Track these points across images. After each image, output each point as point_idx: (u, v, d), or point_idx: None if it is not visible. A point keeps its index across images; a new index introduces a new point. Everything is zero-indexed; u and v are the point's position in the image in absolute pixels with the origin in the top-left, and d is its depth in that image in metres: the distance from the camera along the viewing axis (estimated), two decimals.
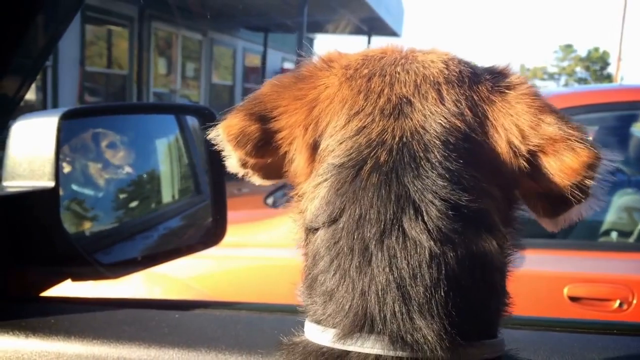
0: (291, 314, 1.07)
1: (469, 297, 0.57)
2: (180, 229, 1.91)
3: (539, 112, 0.63)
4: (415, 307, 0.56)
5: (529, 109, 0.64)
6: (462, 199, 0.58)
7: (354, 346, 0.57)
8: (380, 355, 0.56)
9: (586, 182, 0.62)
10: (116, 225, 1.66)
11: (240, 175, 0.74)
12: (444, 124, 0.62)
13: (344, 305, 0.58)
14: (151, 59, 12.48)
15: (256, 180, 0.75)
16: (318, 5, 12.04)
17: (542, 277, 2.29)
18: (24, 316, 1.07)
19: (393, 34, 16.38)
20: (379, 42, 0.77)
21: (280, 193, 3.13)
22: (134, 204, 1.77)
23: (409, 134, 0.61)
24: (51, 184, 1.09)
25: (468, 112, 0.63)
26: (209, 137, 0.71)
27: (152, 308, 1.17)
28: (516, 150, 0.62)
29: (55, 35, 1.15)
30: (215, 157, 1.08)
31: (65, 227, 1.21)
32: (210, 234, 1.54)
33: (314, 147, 0.66)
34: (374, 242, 0.57)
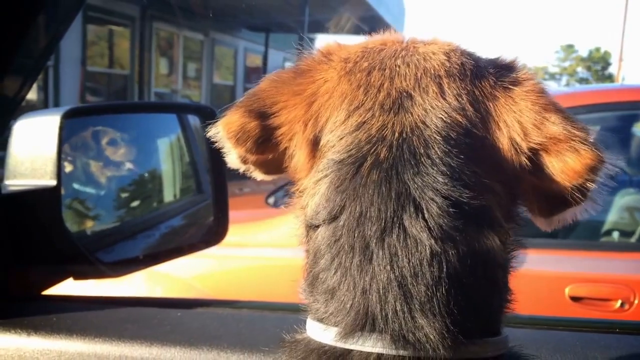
0: (293, 313, 1.07)
1: (471, 294, 0.57)
2: (181, 228, 1.91)
3: (543, 110, 0.62)
4: (416, 305, 0.55)
5: (533, 106, 0.63)
6: (464, 195, 0.58)
7: (356, 345, 0.57)
8: (382, 354, 0.56)
9: (587, 184, 0.61)
10: (118, 224, 1.66)
11: (240, 171, 0.73)
12: (444, 119, 0.61)
13: (345, 304, 0.58)
14: (153, 59, 12.48)
15: (257, 175, 0.74)
16: (319, 5, 12.03)
17: (543, 277, 2.29)
18: (26, 315, 1.07)
19: None
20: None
21: (282, 193, 3.13)
22: (135, 202, 1.78)
23: (408, 129, 0.61)
24: (53, 182, 1.09)
25: (469, 106, 0.62)
26: (208, 134, 0.70)
27: (154, 306, 1.18)
28: (517, 147, 0.62)
29: (56, 35, 1.15)
30: (216, 156, 1.08)
31: (66, 226, 1.22)
32: (211, 232, 1.54)
33: (314, 143, 0.65)
34: (374, 240, 0.57)
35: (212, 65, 14.69)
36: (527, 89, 0.64)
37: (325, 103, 0.66)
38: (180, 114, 1.91)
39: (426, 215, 0.57)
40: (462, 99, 0.62)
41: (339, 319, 0.58)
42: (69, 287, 1.22)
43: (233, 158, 0.72)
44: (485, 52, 0.70)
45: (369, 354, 0.57)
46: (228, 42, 15.33)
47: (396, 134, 0.60)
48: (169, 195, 1.93)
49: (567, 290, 2.24)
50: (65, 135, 1.15)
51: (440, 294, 0.55)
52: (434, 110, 0.61)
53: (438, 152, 0.59)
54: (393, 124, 0.61)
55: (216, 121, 0.70)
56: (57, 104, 9.67)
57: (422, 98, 0.62)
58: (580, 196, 0.62)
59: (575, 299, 2.24)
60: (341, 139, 0.62)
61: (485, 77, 0.65)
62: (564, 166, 0.61)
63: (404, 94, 0.63)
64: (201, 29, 13.69)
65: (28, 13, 1.01)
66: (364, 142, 0.61)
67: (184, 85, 14.18)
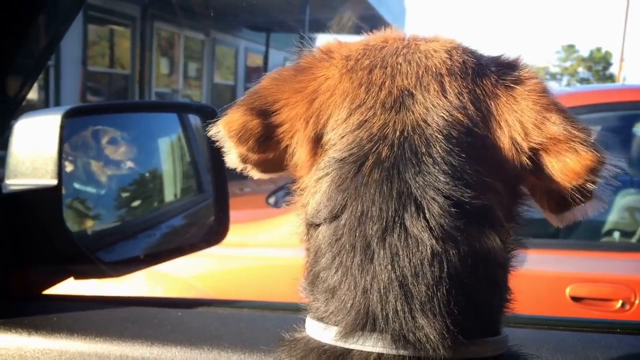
0: (293, 312, 1.07)
1: (472, 294, 0.57)
2: (182, 227, 1.91)
3: (544, 110, 0.62)
4: (417, 305, 0.55)
5: (534, 105, 0.62)
6: (465, 195, 0.58)
7: (356, 344, 0.57)
8: (382, 354, 0.56)
9: (587, 185, 0.61)
10: (118, 224, 1.66)
11: (239, 170, 0.73)
12: (446, 118, 0.61)
13: (345, 303, 0.58)
14: (153, 58, 12.49)
15: (254, 174, 0.74)
16: (320, 5, 12.04)
17: (544, 277, 2.29)
18: (26, 314, 1.07)
19: None
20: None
21: (282, 193, 3.14)
22: (136, 202, 1.78)
23: (410, 128, 0.60)
24: (54, 182, 1.09)
25: (471, 105, 0.62)
26: (209, 134, 0.70)
27: (155, 306, 1.18)
28: (518, 147, 0.61)
29: (57, 34, 1.15)
30: (217, 156, 1.08)
31: (67, 226, 1.22)
32: (212, 232, 1.54)
33: (316, 140, 0.65)
34: (375, 240, 0.57)
35: (213, 65, 14.70)
36: (529, 88, 0.64)
37: (326, 101, 0.65)
38: (181, 114, 1.91)
39: (427, 215, 0.57)
40: (464, 98, 0.62)
41: (340, 318, 0.58)
42: (69, 286, 1.22)
43: (233, 157, 0.71)
44: (487, 52, 0.70)
45: (369, 353, 0.56)
46: (229, 41, 15.33)
47: (397, 133, 0.60)
48: (169, 194, 1.93)
49: (567, 290, 2.23)
50: (66, 135, 1.15)
51: (440, 294, 0.55)
52: (436, 109, 0.61)
53: (439, 151, 0.59)
54: (394, 122, 0.61)
55: (217, 120, 0.70)
56: (57, 104, 9.68)
57: (424, 96, 0.62)
58: (580, 197, 0.62)
59: (576, 299, 2.24)
60: (342, 137, 0.62)
61: (487, 75, 0.64)
62: (564, 167, 0.61)
63: (406, 92, 0.62)
64: (202, 28, 13.69)
65: (29, 13, 1.01)
66: (365, 140, 0.61)
67: (185, 85, 14.18)
